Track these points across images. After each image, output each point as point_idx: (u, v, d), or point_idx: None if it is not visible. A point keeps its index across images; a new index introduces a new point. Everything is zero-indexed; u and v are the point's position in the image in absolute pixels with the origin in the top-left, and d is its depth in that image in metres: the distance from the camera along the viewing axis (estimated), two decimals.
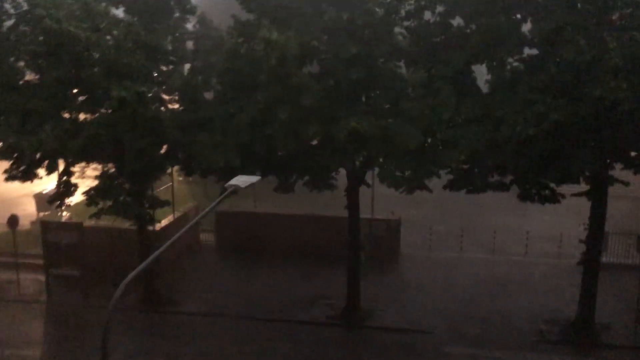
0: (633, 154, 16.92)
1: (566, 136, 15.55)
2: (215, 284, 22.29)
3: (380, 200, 25.35)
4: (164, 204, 20.67)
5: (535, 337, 18.12)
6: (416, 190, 18.39)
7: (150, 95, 18.32)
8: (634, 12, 15.00)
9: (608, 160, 16.81)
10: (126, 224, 20.68)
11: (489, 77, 16.92)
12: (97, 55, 17.94)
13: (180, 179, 31.36)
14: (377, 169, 17.81)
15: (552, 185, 17.59)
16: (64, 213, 27.29)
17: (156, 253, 9.46)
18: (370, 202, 24.71)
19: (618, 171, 17.48)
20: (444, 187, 18.34)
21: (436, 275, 22.76)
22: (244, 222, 25.50)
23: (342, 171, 19.16)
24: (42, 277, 21.54)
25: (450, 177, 18.28)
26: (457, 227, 26.03)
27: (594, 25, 14.95)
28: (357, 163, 18.64)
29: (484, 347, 17.48)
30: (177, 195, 26.26)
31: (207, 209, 9.99)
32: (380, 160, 17.34)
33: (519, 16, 16.16)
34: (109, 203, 19.13)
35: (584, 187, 17.90)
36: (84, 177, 22.58)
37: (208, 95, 19.92)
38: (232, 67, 17.47)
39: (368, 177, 19.76)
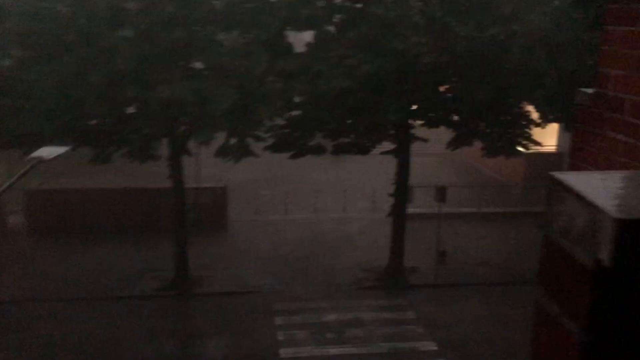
0: (431, 114, 18.96)
1: (376, 88, 16.99)
2: (29, 268, 20.64)
3: (206, 166, 25.27)
4: None
5: (353, 285, 19.73)
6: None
7: None
8: None
9: (410, 120, 18.67)
10: None
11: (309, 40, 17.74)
12: None
13: None
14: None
15: (363, 139, 19.12)
16: None
17: None
18: (195, 170, 24.52)
19: (418, 129, 19.46)
20: (265, 148, 18.90)
21: (263, 238, 23.48)
22: (58, 200, 23.77)
23: (164, 140, 18.75)
24: None
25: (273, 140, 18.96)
26: (281, 191, 26.93)
27: None
28: (179, 131, 18.37)
29: (309, 300, 18.62)
30: None
31: (6, 184, 9.25)
32: (198, 123, 17.29)
33: None
34: None
35: (391, 145, 19.70)
36: None
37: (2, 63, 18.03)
38: (34, 30, 16.04)
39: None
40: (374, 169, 28.73)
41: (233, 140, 18.83)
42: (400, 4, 15.86)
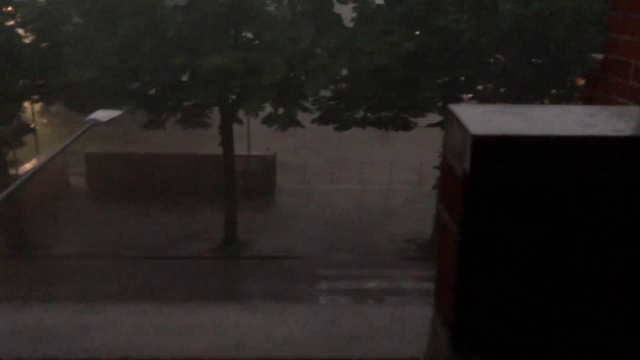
0: (480, 87, 18.70)
1: (418, 65, 16.90)
2: (88, 226, 21.84)
3: (257, 136, 25.80)
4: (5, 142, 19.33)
5: (396, 255, 19.93)
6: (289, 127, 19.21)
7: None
8: None
9: (456, 94, 18.48)
10: None
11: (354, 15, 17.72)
12: None
13: (45, 121, 29.65)
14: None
15: (405, 114, 19.08)
16: None
17: (6, 192, 9.24)
18: (247, 139, 25.10)
19: (467, 102, 19.24)
20: (313, 121, 19.15)
21: (309, 206, 23.91)
22: (116, 163, 24.88)
23: (216, 108, 19.28)
24: None
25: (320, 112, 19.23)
26: (329, 161, 27.23)
27: None
28: (230, 100, 18.82)
29: (352, 267, 18.98)
30: (41, 138, 24.92)
31: (65, 144, 9.85)
32: (247, 93, 17.67)
33: None
34: None
35: (438, 118, 19.56)
36: None
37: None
38: None
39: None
40: (422, 142, 28.55)
41: (280, 110, 19.18)
42: None
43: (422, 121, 20.62)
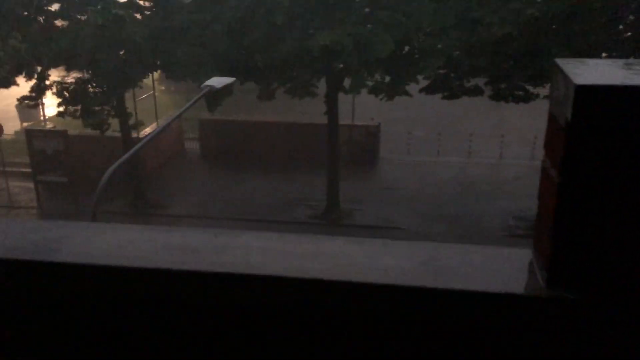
0: (604, 54, 17.43)
1: (541, 33, 15.99)
2: (200, 189, 23.14)
3: (362, 104, 25.88)
4: (128, 114, 20.68)
5: (503, 232, 19.38)
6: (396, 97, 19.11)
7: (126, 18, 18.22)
8: None
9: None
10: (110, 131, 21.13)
11: None
12: None
13: (163, 88, 31.44)
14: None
15: (526, 85, 18.23)
16: (48, 124, 27.61)
17: (129, 153, 10.02)
18: (351, 108, 25.27)
19: None
20: (420, 91, 18.87)
21: (412, 178, 23.71)
22: (227, 130, 26.00)
23: (322, 78, 19.56)
24: (30, 185, 22.20)
25: (428, 81, 18.85)
26: (435, 132, 26.76)
27: None
28: (336, 69, 18.98)
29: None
30: (159, 104, 26.54)
31: (183, 108, 10.49)
32: (355, 68, 17.69)
33: None
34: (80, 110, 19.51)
35: None
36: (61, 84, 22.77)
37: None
38: None
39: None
40: (536, 114, 27.23)
41: (387, 79, 19.08)
42: None
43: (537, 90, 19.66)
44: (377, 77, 18.93)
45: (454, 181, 23.32)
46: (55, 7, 18.88)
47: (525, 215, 20.14)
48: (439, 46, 16.16)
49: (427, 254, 1.27)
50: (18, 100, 20.98)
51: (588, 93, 1.04)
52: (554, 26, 15.94)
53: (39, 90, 19.52)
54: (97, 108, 19.45)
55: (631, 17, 16.17)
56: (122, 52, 18.79)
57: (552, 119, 1.17)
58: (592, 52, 17.11)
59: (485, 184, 23.07)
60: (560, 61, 1.16)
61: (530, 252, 1.25)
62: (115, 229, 1.39)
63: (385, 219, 20.22)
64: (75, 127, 22.83)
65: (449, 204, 21.36)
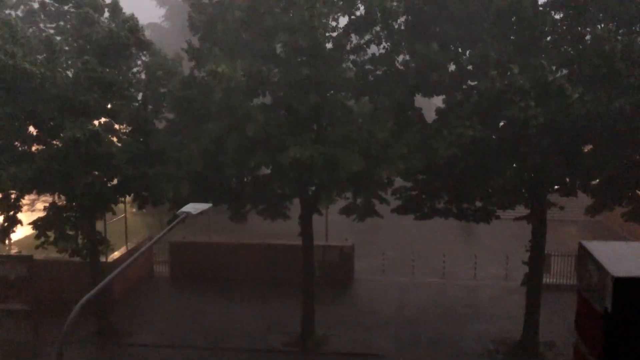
0: (566, 179, 18.04)
1: (485, 153, 16.72)
2: (170, 314, 22.18)
3: (335, 226, 25.86)
4: (103, 241, 20.17)
5: (484, 357, 18.75)
6: (367, 218, 19.22)
7: (103, 131, 18.45)
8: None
9: (540, 186, 17.94)
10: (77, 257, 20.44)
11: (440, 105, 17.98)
12: (52, 91, 17.96)
13: (134, 210, 31.13)
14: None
15: (489, 206, 18.65)
16: (13, 248, 26.72)
17: (101, 284, 9.61)
18: (325, 229, 25.20)
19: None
20: (392, 211, 19.04)
21: (389, 300, 23.25)
22: (198, 252, 25.52)
23: (296, 200, 19.62)
24: None
25: (399, 203, 19.13)
26: (408, 252, 26.70)
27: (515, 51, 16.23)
28: (309, 192, 19.13)
29: None
30: (130, 226, 26.11)
31: (157, 236, 10.24)
32: (325, 186, 17.85)
33: (452, 47, 17.27)
34: (54, 235, 18.96)
35: (525, 211, 18.94)
36: (33, 211, 22.31)
37: (159, 125, 20.15)
38: (185, 96, 17.78)
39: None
40: (507, 235, 27.62)
41: (359, 200, 19.25)
42: (504, 75, 15.78)
43: (507, 214, 20.00)
44: (349, 197, 19.14)
45: (431, 303, 22.91)
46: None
47: (504, 339, 19.68)
48: (401, 155, 16.72)
49: None
50: None
51: (627, 285, 0.92)
52: (494, 147, 16.84)
53: (11, 221, 18.99)
54: (71, 232, 18.96)
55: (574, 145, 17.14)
56: (96, 172, 18.65)
57: (584, 302, 1.03)
58: (539, 171, 17.72)
59: (461, 305, 22.71)
60: (587, 244, 1.04)
61: None
62: None
63: (362, 345, 19.48)
64: (41, 251, 22.08)
65: (427, 327, 20.80)
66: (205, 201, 13.22)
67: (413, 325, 20.98)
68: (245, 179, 19.05)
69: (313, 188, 19.03)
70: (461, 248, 27.96)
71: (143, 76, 20.90)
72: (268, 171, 18.54)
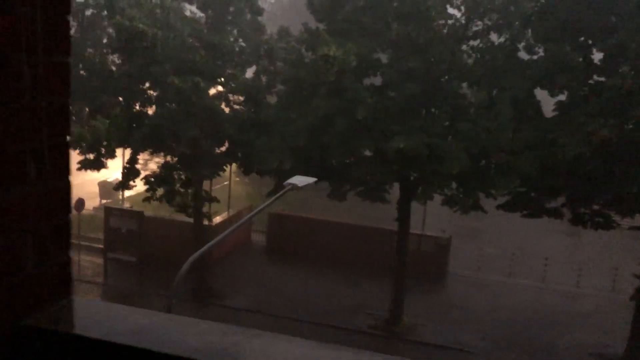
0: None
1: (616, 156, 15.43)
2: (262, 282, 22.84)
3: (434, 215, 25.34)
4: (212, 199, 21.03)
5: None
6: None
7: (205, 88, 18.89)
8: None
9: None
10: (183, 217, 21.48)
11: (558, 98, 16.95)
12: (165, 51, 18.71)
13: (237, 179, 32.21)
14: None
15: (608, 211, 17.38)
16: (125, 203, 28.58)
17: (209, 244, 9.99)
18: (422, 217, 24.75)
19: None
20: (497, 207, 18.28)
21: (482, 297, 22.51)
22: (295, 226, 25.97)
23: (396, 184, 19.39)
24: (100, 260, 22.65)
25: (507, 197, 18.32)
26: (508, 250, 25.64)
27: None
28: (411, 178, 18.81)
29: None
30: (232, 195, 27.02)
31: (264, 204, 10.47)
32: (428, 178, 17.45)
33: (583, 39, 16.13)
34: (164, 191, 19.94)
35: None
36: (146, 171, 23.65)
37: (270, 99, 20.56)
38: (296, 75, 18.01)
39: None
40: (616, 245, 25.80)
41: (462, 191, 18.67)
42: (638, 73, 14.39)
43: (625, 222, 18.64)
44: (453, 188, 18.58)
45: (526, 306, 21.92)
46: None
47: (604, 353, 18.47)
48: (516, 164, 15.80)
49: None
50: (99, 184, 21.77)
51: None
52: (629, 150, 15.44)
53: (130, 174, 20.18)
54: (182, 190, 19.91)
55: None
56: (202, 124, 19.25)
57: None
58: None
59: (560, 313, 21.55)
60: None
61: None
62: (290, 341, 1.33)
63: (451, 339, 19.03)
64: (149, 209, 23.40)
65: (519, 330, 19.95)
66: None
67: (505, 325, 20.20)
68: (347, 161, 19.06)
69: (414, 175, 18.70)
70: (565, 253, 26.47)
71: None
72: (370, 153, 18.42)
